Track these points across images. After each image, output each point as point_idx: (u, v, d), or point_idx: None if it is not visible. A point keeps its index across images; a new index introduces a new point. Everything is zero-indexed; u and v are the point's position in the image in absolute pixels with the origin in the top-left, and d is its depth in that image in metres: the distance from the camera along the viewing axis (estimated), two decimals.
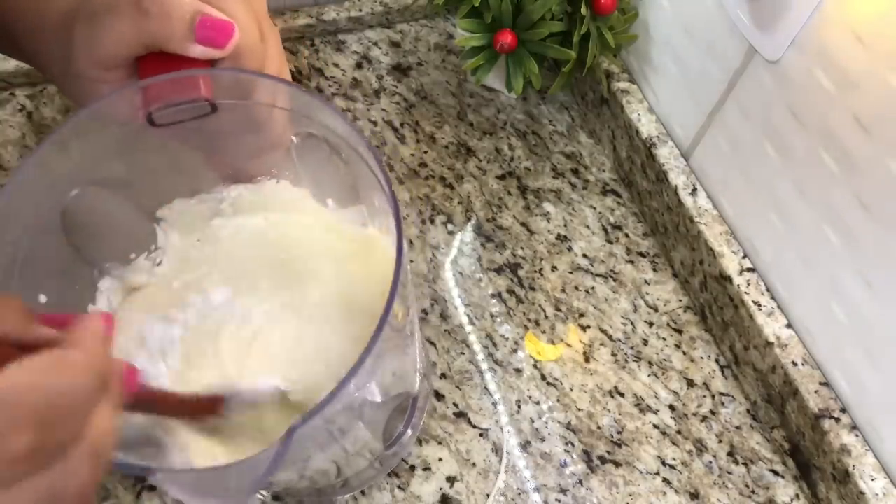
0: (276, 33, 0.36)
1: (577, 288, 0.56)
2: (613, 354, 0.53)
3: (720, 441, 0.50)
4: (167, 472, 0.29)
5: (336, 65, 0.68)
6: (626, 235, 0.60)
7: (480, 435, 0.49)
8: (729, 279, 0.51)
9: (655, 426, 0.50)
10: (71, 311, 0.36)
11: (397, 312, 0.31)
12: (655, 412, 0.51)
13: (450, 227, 0.59)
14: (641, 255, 0.59)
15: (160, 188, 0.39)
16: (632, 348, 0.54)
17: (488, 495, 0.47)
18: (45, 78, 0.61)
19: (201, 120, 0.34)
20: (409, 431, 0.45)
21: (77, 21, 0.32)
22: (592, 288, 0.57)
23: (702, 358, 0.54)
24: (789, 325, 0.50)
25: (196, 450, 0.34)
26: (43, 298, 0.33)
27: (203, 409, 0.34)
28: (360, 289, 0.38)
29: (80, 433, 0.22)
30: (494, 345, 0.53)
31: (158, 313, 0.37)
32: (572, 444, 0.49)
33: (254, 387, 0.35)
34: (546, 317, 0.55)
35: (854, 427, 0.46)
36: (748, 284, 0.51)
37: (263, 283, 0.39)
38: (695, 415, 0.51)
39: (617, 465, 0.49)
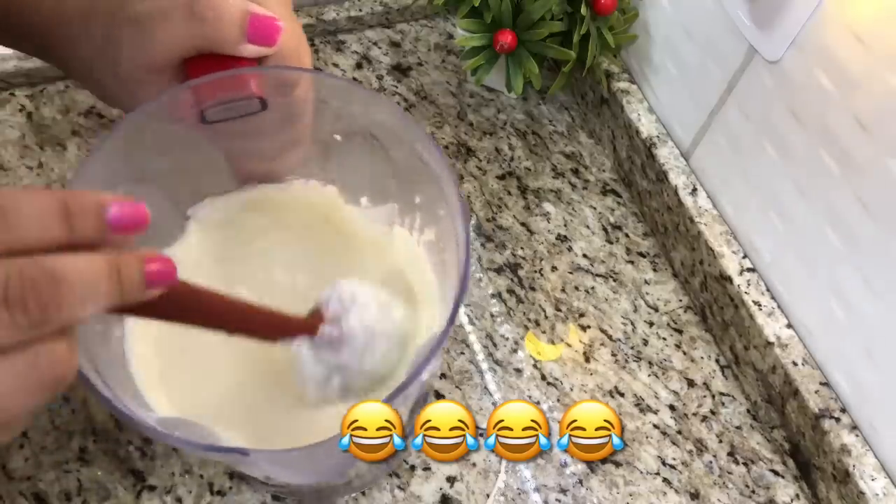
0: (305, 37, 0.37)
1: (577, 288, 0.56)
2: (613, 354, 0.53)
3: (720, 441, 0.50)
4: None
5: (336, 65, 0.68)
6: (626, 235, 0.60)
7: (480, 435, 0.49)
8: (729, 279, 0.51)
9: (655, 426, 0.50)
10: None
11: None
12: (655, 412, 0.51)
13: None
14: (641, 255, 0.59)
15: (192, 187, 0.40)
16: (632, 348, 0.54)
17: (488, 495, 0.47)
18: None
19: (242, 120, 0.34)
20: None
21: (120, 26, 0.32)
22: (592, 288, 0.57)
23: (702, 358, 0.54)
24: (789, 325, 0.50)
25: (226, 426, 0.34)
26: None
27: (300, 326, 0.33)
28: (386, 287, 0.39)
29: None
30: (494, 345, 0.53)
31: None
32: None
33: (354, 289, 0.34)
34: (546, 317, 0.55)
35: (854, 427, 0.46)
36: (748, 284, 0.51)
37: (298, 279, 0.40)
38: (695, 415, 0.51)
39: (617, 465, 0.49)
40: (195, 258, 0.40)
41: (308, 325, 0.33)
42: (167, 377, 0.37)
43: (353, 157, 0.39)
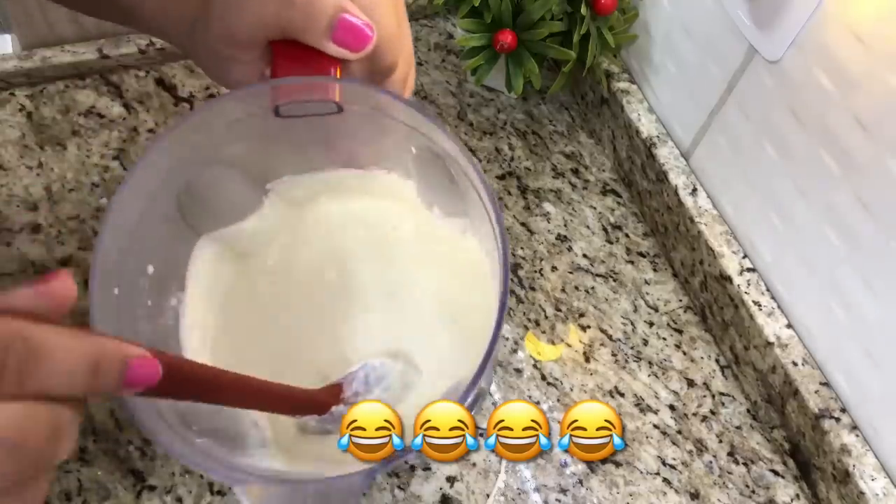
0: (406, 19, 0.36)
1: (577, 288, 0.56)
2: (613, 354, 0.53)
3: (720, 441, 0.50)
4: (260, 480, 0.29)
5: None
6: (626, 235, 0.60)
7: (480, 435, 0.49)
8: (729, 279, 0.51)
9: (655, 426, 0.50)
10: (169, 280, 0.36)
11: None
12: (655, 412, 0.51)
13: None
14: (641, 255, 0.59)
15: (274, 164, 0.40)
16: (632, 348, 0.54)
17: (488, 495, 0.47)
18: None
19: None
20: None
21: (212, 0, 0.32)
22: (592, 288, 0.57)
23: (702, 358, 0.54)
24: (789, 325, 0.50)
25: (282, 455, 0.34)
26: (150, 269, 0.34)
27: (305, 406, 0.32)
28: (452, 294, 0.39)
29: None
30: None
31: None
32: None
33: (376, 365, 0.35)
34: (546, 317, 0.55)
35: (854, 427, 0.46)
36: (748, 284, 0.51)
37: (363, 268, 0.41)
38: (695, 415, 0.51)
39: (617, 465, 0.49)
40: (269, 231, 0.40)
41: (319, 404, 0.33)
42: (219, 345, 0.37)
43: (426, 169, 0.39)
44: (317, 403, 0.33)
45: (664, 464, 0.49)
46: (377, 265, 0.41)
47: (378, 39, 0.32)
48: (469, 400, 0.28)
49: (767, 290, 0.51)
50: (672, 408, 0.51)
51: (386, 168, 0.41)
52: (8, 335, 0.21)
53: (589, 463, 0.48)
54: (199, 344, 0.37)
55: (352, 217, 0.42)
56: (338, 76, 0.32)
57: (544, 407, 0.50)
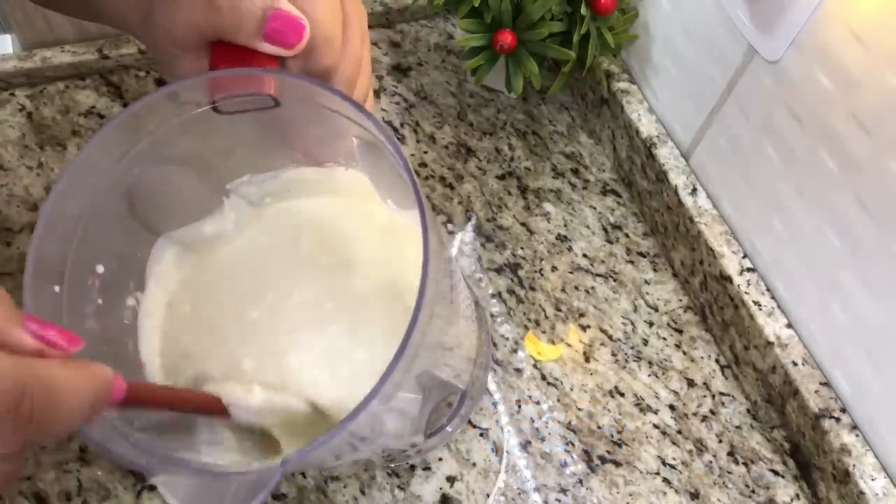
0: (360, 13, 0.35)
1: (577, 288, 0.56)
2: (613, 354, 0.53)
3: (720, 441, 0.50)
4: (166, 471, 0.29)
5: None
6: (626, 235, 0.60)
7: (480, 435, 0.49)
8: (729, 279, 0.51)
9: (656, 426, 0.50)
10: (125, 280, 0.37)
11: (438, 311, 0.31)
12: (655, 412, 0.51)
13: (450, 227, 0.59)
14: (641, 255, 0.59)
15: (232, 164, 0.40)
16: (632, 348, 0.54)
17: (488, 495, 0.47)
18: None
19: (268, 110, 0.34)
20: (450, 428, 0.45)
21: (152, 2, 0.33)
22: (592, 288, 0.57)
23: (702, 358, 0.54)
24: (789, 325, 0.50)
25: (229, 444, 0.34)
26: (100, 269, 0.34)
27: (211, 408, 0.34)
28: (409, 285, 0.39)
29: None
30: (494, 345, 0.53)
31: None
32: (572, 444, 0.49)
33: (246, 403, 0.35)
34: (546, 317, 0.55)
35: (854, 427, 0.46)
36: (748, 284, 0.51)
37: (309, 267, 0.40)
38: (695, 415, 0.51)
39: (617, 464, 0.49)
40: (230, 232, 0.41)
41: (222, 411, 0.35)
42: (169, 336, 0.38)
43: (371, 161, 0.39)
44: (221, 410, 0.35)
45: (664, 464, 0.49)
46: (336, 264, 0.41)
47: (314, 39, 0.32)
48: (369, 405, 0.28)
49: (767, 290, 0.51)
50: (672, 408, 0.51)
51: (343, 164, 0.41)
52: (30, 381, 0.21)
53: (589, 463, 0.48)
54: (158, 344, 0.37)
55: (312, 215, 0.42)
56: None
57: (544, 407, 0.50)
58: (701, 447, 0.50)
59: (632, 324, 0.55)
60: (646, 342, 0.54)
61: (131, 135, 0.33)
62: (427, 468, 0.47)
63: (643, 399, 0.51)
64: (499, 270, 0.57)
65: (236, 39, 0.32)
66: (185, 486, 0.29)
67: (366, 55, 0.36)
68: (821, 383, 0.47)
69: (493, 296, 0.55)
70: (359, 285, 0.39)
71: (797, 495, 0.49)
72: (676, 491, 0.48)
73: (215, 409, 0.34)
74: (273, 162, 0.41)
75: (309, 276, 0.40)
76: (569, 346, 0.53)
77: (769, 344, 0.49)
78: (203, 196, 0.40)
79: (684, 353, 0.54)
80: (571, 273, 0.57)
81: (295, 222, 0.42)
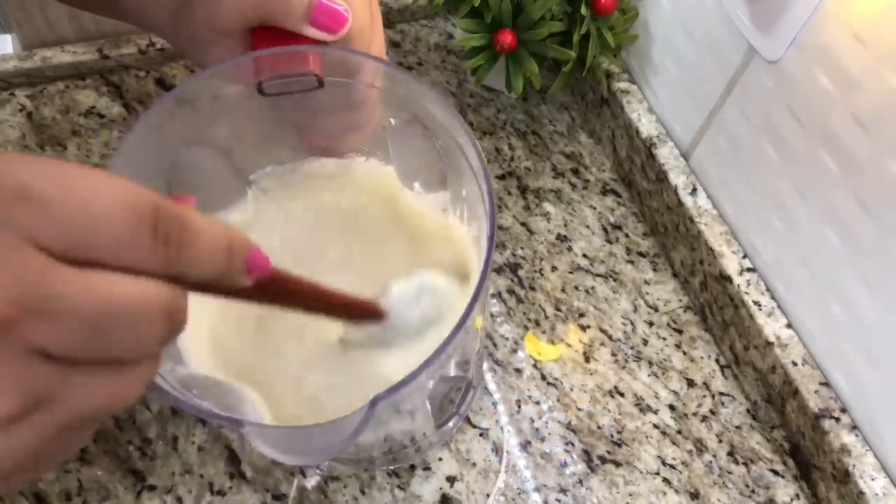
0: (380, 14, 0.38)
1: (577, 288, 0.56)
2: (613, 354, 0.53)
3: (720, 441, 0.50)
4: (257, 427, 0.30)
5: None
6: (626, 235, 0.60)
7: (480, 435, 0.49)
8: (729, 279, 0.51)
9: (655, 426, 0.50)
10: None
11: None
12: (655, 412, 0.51)
13: None
14: (641, 255, 0.59)
15: (256, 154, 0.41)
16: (632, 348, 0.54)
17: (488, 495, 0.47)
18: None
19: (304, 94, 0.36)
20: (456, 418, 0.46)
21: None
22: (592, 288, 0.57)
23: (702, 358, 0.54)
24: (789, 325, 0.50)
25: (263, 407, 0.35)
26: None
27: (363, 310, 0.33)
28: (432, 272, 0.39)
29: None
30: (494, 345, 0.53)
31: None
32: (572, 444, 0.49)
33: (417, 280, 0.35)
34: (546, 317, 0.55)
35: (854, 427, 0.46)
36: (748, 284, 0.51)
37: (334, 256, 0.41)
38: (695, 415, 0.51)
39: (617, 464, 0.49)
40: (251, 222, 0.41)
41: (377, 313, 0.34)
42: (215, 332, 0.38)
43: (406, 142, 0.40)
44: (377, 313, 0.34)
45: (664, 464, 0.49)
46: (360, 252, 0.42)
47: (350, 29, 0.35)
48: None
49: (767, 290, 0.51)
50: (672, 408, 0.51)
51: (364, 154, 0.42)
52: (169, 216, 0.21)
53: (589, 463, 0.48)
54: (192, 328, 0.37)
55: (333, 205, 0.43)
56: None
57: (544, 407, 0.50)
58: (701, 447, 0.50)
59: (632, 324, 0.55)
60: (646, 342, 0.54)
61: (178, 114, 0.34)
62: (427, 468, 0.47)
63: (643, 399, 0.51)
64: (499, 270, 0.57)
65: (285, 24, 0.34)
66: (274, 434, 0.30)
67: (384, 48, 0.39)
68: (820, 383, 0.47)
69: (493, 296, 0.55)
70: (381, 273, 0.40)
71: (797, 495, 0.49)
72: (676, 491, 0.48)
73: (368, 311, 0.34)
74: (294, 154, 0.42)
75: (331, 265, 0.41)
76: (569, 346, 0.53)
77: (769, 344, 0.49)
78: (230, 184, 0.41)
79: (684, 353, 0.54)
80: (571, 273, 0.57)
81: (315, 213, 0.43)
